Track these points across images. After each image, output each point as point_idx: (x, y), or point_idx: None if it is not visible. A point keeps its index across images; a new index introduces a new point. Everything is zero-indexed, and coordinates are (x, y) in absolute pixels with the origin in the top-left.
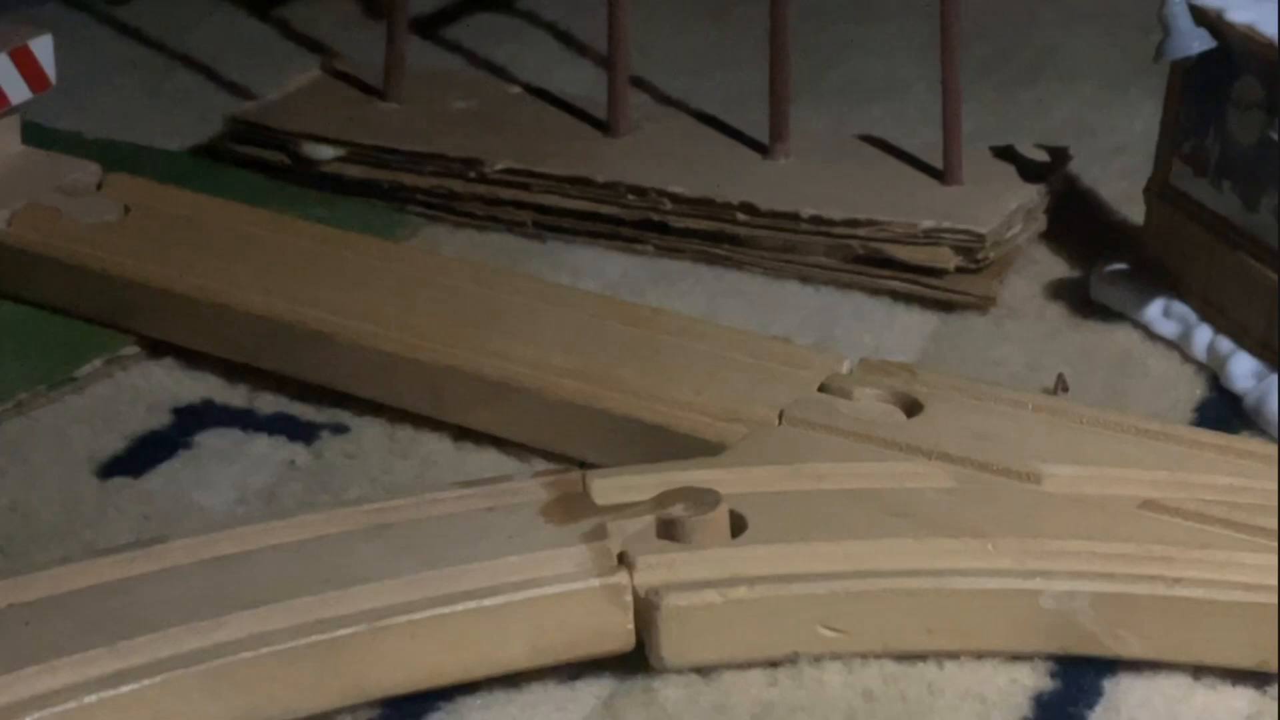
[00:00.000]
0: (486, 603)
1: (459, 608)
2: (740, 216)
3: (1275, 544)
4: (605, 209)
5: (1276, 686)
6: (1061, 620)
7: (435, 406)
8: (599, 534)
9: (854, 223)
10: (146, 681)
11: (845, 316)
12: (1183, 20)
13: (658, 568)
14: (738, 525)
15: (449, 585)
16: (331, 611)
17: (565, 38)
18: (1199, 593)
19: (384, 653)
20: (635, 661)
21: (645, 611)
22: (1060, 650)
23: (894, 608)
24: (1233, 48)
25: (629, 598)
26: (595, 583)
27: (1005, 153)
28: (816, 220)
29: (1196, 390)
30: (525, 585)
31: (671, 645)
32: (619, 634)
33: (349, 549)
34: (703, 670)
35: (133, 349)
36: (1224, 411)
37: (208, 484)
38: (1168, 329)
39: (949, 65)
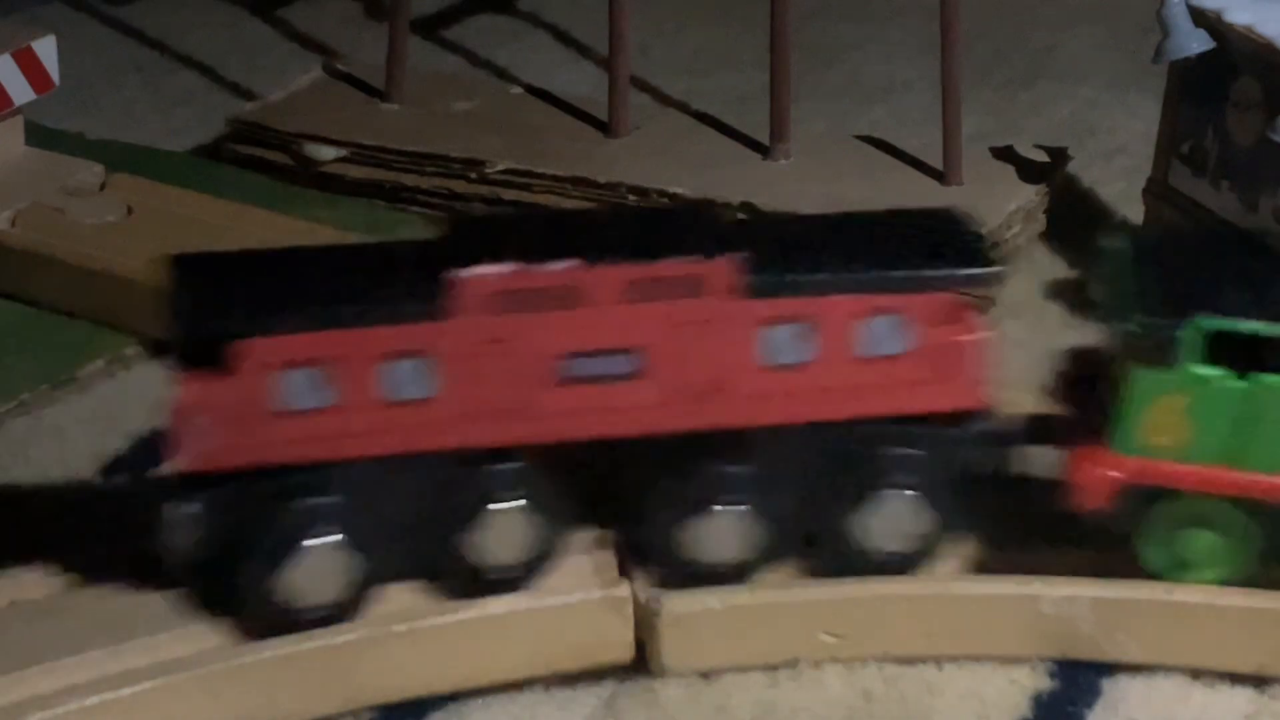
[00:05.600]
0: (487, 610)
1: (460, 616)
2: (741, 217)
3: None
4: None
5: (1276, 687)
6: (1061, 625)
7: None
8: (600, 542)
9: None
10: (148, 684)
11: None
12: (1182, 21)
13: None
14: None
15: None
16: None
17: (566, 39)
18: (1198, 597)
19: (384, 659)
20: (637, 661)
21: (645, 618)
22: (1060, 655)
23: (894, 613)
24: (1232, 48)
25: (630, 609)
26: (596, 593)
27: (1005, 153)
28: None
29: None
30: (526, 593)
31: (672, 651)
32: (620, 644)
33: None
34: (704, 671)
35: (135, 349)
36: None
37: None
38: None
39: (949, 65)
